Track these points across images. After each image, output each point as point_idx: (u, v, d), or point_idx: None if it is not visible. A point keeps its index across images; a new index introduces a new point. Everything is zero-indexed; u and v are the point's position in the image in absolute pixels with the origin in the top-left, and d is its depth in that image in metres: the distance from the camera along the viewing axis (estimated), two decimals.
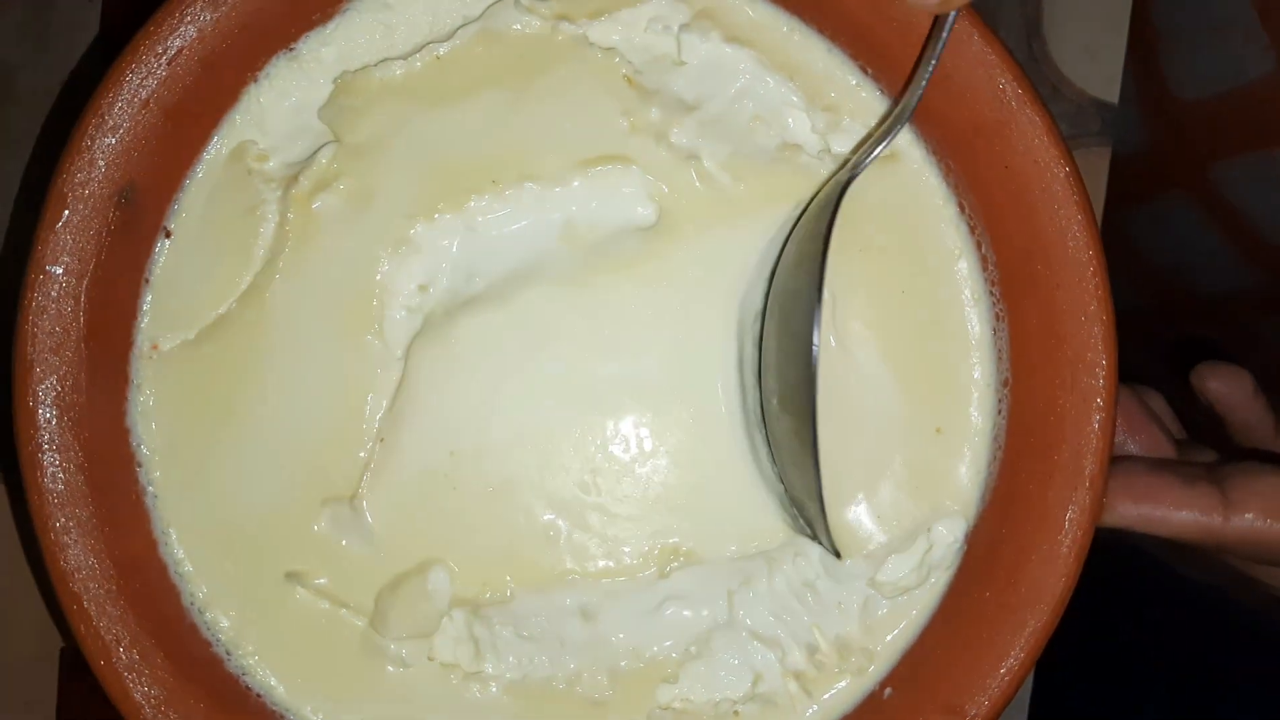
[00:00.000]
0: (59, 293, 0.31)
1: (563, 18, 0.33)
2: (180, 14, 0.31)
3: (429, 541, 0.33)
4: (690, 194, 0.33)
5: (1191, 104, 0.56)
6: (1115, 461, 0.32)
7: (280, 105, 0.33)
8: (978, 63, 0.31)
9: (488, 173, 0.33)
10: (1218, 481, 0.32)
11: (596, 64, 0.33)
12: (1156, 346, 0.66)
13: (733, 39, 0.33)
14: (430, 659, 0.33)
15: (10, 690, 0.43)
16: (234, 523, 0.33)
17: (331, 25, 0.33)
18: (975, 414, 0.33)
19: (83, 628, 0.31)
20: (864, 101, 0.34)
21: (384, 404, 0.33)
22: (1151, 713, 0.56)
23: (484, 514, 0.33)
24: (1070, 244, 0.31)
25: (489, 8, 0.33)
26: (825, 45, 0.34)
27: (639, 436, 0.33)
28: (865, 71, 0.34)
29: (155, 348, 0.33)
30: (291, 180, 0.33)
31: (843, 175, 0.32)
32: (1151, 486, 0.32)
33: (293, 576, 0.33)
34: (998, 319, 0.34)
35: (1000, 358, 0.33)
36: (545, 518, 0.33)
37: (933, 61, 0.30)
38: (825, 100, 0.34)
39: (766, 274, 0.33)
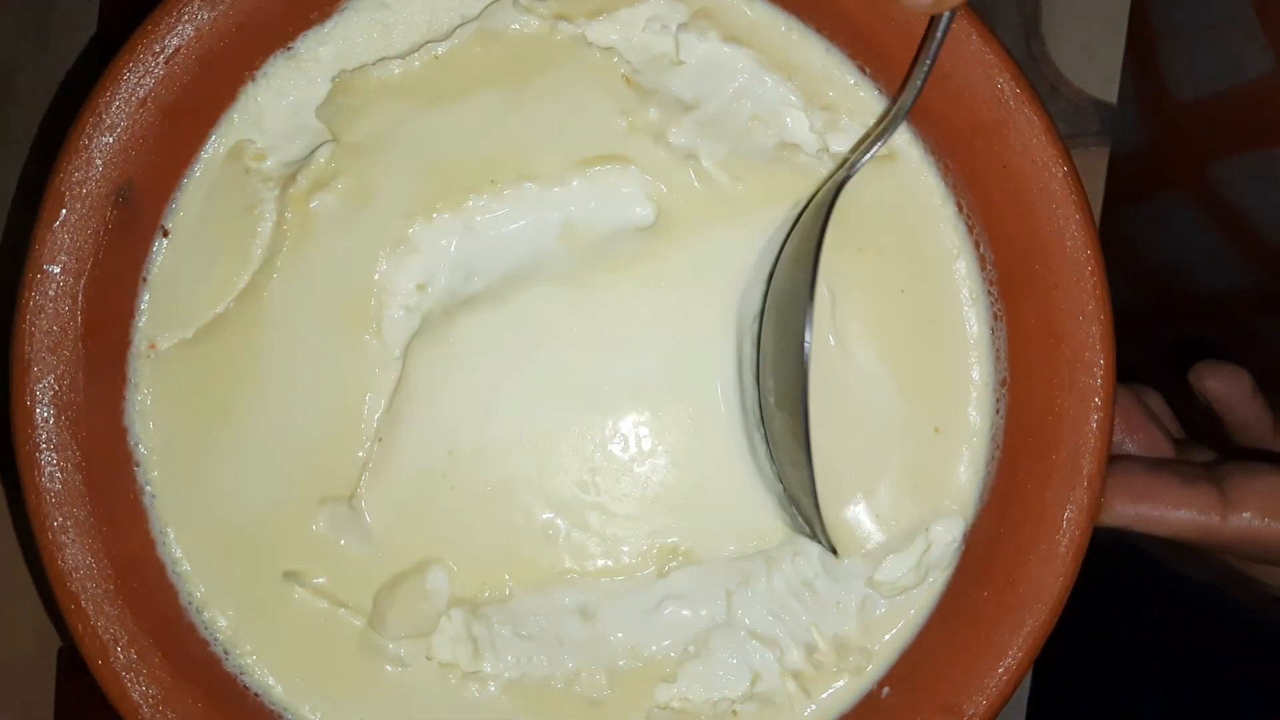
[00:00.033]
0: (56, 292, 0.31)
1: (561, 17, 0.33)
2: (178, 13, 0.31)
3: (427, 541, 0.33)
4: (689, 194, 0.33)
5: (1190, 103, 0.56)
6: (1113, 461, 0.32)
7: (278, 104, 0.33)
8: (976, 62, 0.31)
9: (486, 172, 0.33)
10: (1216, 481, 0.32)
11: (595, 63, 0.33)
12: (1155, 346, 0.66)
13: (731, 38, 0.33)
14: (429, 658, 0.33)
15: (8, 690, 0.42)
16: (232, 522, 0.33)
17: (329, 24, 0.33)
18: (973, 414, 0.33)
19: (80, 627, 0.31)
20: (862, 101, 0.34)
21: (382, 403, 0.33)
22: (1150, 712, 0.56)
23: (482, 513, 0.33)
24: (1068, 243, 0.31)
25: (487, 7, 0.33)
26: (823, 45, 0.34)
27: (638, 436, 0.33)
28: (863, 71, 0.34)
29: (153, 347, 0.33)
30: (289, 179, 0.33)
31: (839, 175, 0.32)
32: (1149, 486, 0.32)
33: (291, 576, 0.33)
34: (996, 318, 0.34)
35: (998, 357, 0.33)
36: (544, 517, 0.33)
37: (928, 62, 0.30)
38: (823, 100, 0.34)
39: (765, 273, 0.33)
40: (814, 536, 0.32)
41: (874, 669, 0.34)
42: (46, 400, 0.31)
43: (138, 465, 0.33)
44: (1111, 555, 0.37)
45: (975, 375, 0.34)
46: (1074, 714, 0.57)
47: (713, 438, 0.33)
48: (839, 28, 0.33)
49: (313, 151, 0.33)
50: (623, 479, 0.33)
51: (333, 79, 0.33)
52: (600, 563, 0.33)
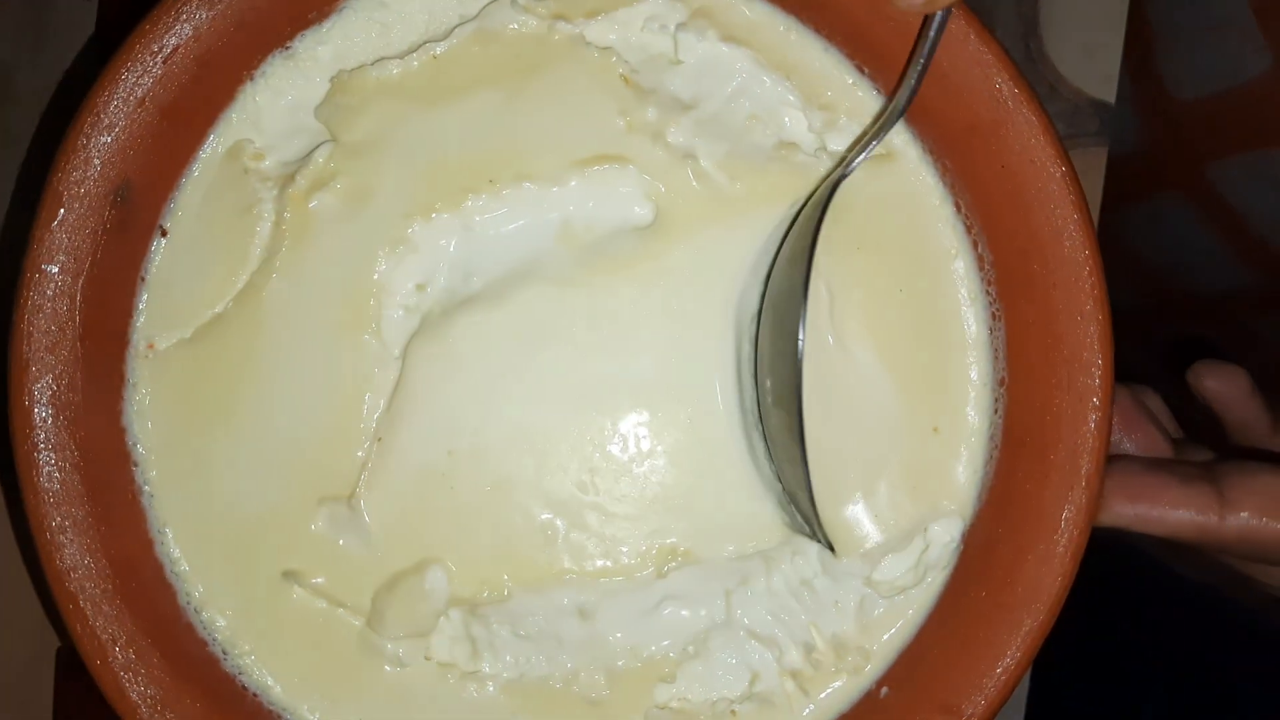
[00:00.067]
0: (55, 291, 0.31)
1: (559, 17, 0.33)
2: (176, 12, 0.31)
3: (426, 541, 0.33)
4: (687, 193, 0.33)
5: (1188, 103, 0.56)
6: (1111, 461, 0.32)
7: (276, 104, 0.33)
8: (974, 62, 0.31)
9: (485, 172, 0.33)
10: (1214, 480, 0.32)
11: (593, 63, 0.33)
12: (1153, 346, 0.66)
13: (729, 38, 0.33)
14: (427, 658, 0.33)
15: (7, 690, 0.42)
16: (231, 522, 0.33)
17: (328, 24, 0.33)
18: (972, 413, 0.33)
19: (79, 627, 0.31)
20: (860, 100, 0.34)
21: (381, 403, 0.33)
22: (1149, 712, 0.56)
23: (481, 513, 0.33)
24: (1066, 243, 0.31)
25: (485, 7, 0.33)
26: (822, 44, 0.34)
27: (637, 436, 0.33)
28: (862, 71, 0.34)
29: (151, 347, 0.33)
30: (288, 179, 0.33)
31: (835, 174, 0.32)
32: (1147, 485, 0.32)
33: (290, 576, 0.33)
34: (994, 318, 0.34)
35: (997, 357, 0.33)
36: (543, 517, 0.33)
37: (922, 61, 0.30)
38: (822, 99, 0.34)
39: (763, 273, 0.33)
40: (813, 536, 0.32)
41: (872, 669, 0.34)
42: (45, 400, 0.31)
43: (136, 465, 0.33)
44: (1110, 555, 0.37)
45: (974, 375, 0.34)
46: (1073, 714, 0.57)
47: (711, 438, 0.33)
48: (837, 27, 0.33)
49: (311, 151, 0.33)
50: (622, 479, 0.33)
51: (331, 79, 0.33)
52: (599, 563, 0.33)
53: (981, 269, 0.34)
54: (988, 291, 0.34)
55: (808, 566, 0.34)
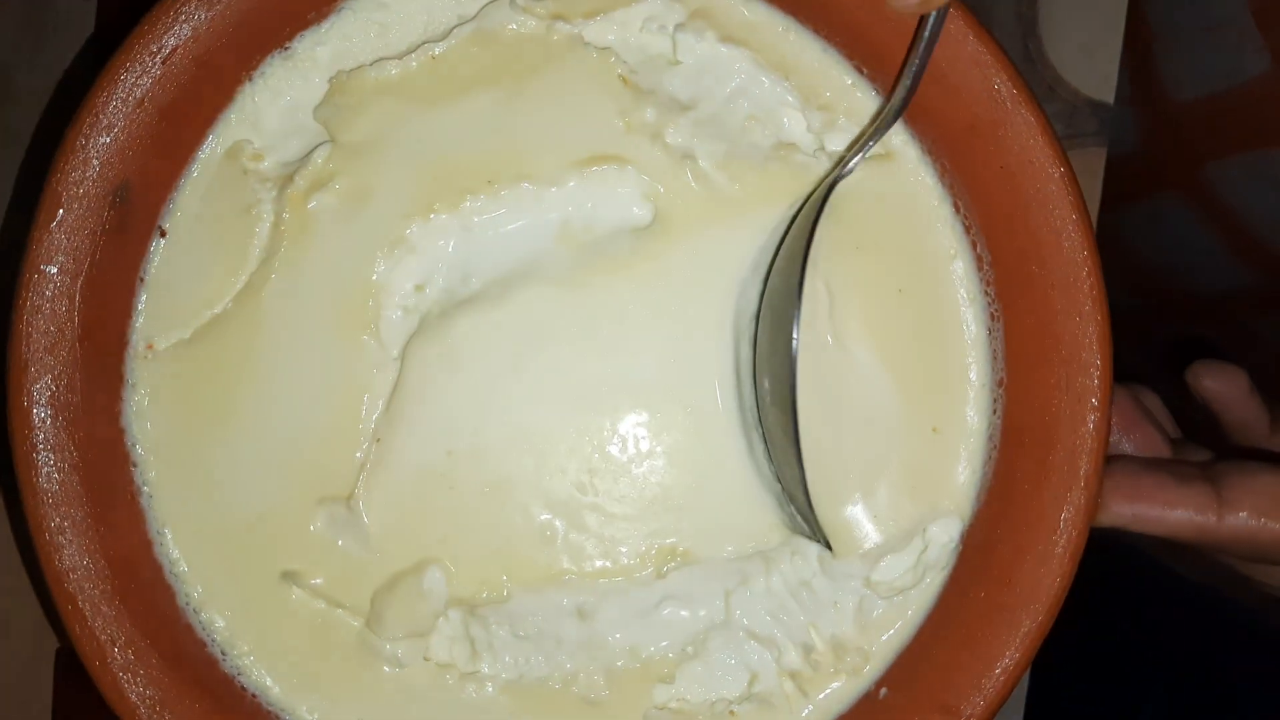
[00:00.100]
0: (54, 292, 0.31)
1: (558, 17, 0.33)
2: (175, 13, 0.31)
3: (425, 541, 0.33)
4: (686, 194, 0.33)
5: (1186, 104, 0.56)
6: (1110, 461, 0.32)
7: (275, 104, 0.33)
8: (973, 62, 0.31)
9: (484, 173, 0.33)
10: (1212, 480, 0.32)
11: (592, 64, 0.33)
12: (1152, 346, 0.66)
13: (728, 38, 0.33)
14: (426, 659, 0.33)
15: (6, 691, 0.42)
16: (230, 523, 0.33)
17: (326, 24, 0.33)
18: (971, 414, 0.33)
19: (78, 628, 0.31)
20: (859, 101, 0.34)
21: (380, 404, 0.33)
22: (1149, 712, 0.56)
23: (480, 514, 0.33)
24: (1065, 244, 0.31)
25: (484, 7, 0.33)
26: (820, 45, 0.34)
27: (636, 437, 0.33)
28: (860, 71, 0.34)
29: (150, 347, 0.33)
30: (287, 180, 0.33)
31: (832, 175, 0.32)
32: (1146, 486, 0.32)
33: (289, 576, 0.33)
34: (993, 319, 0.34)
35: (995, 357, 0.33)
36: (542, 518, 0.33)
37: (916, 62, 0.30)
38: (820, 100, 0.34)
39: (762, 273, 0.33)
40: (812, 536, 0.32)
41: (871, 669, 0.34)
42: (44, 401, 0.31)
43: (135, 466, 0.33)
44: (1109, 555, 0.37)
45: (973, 375, 0.34)
46: (1072, 714, 0.57)
47: (711, 438, 0.33)
48: (836, 28, 0.33)
49: (310, 152, 0.33)
50: (621, 480, 0.33)
51: (330, 79, 0.33)
52: (598, 563, 0.33)
53: (980, 269, 0.34)
54: (986, 292, 0.34)
55: (807, 567, 0.34)
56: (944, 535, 0.33)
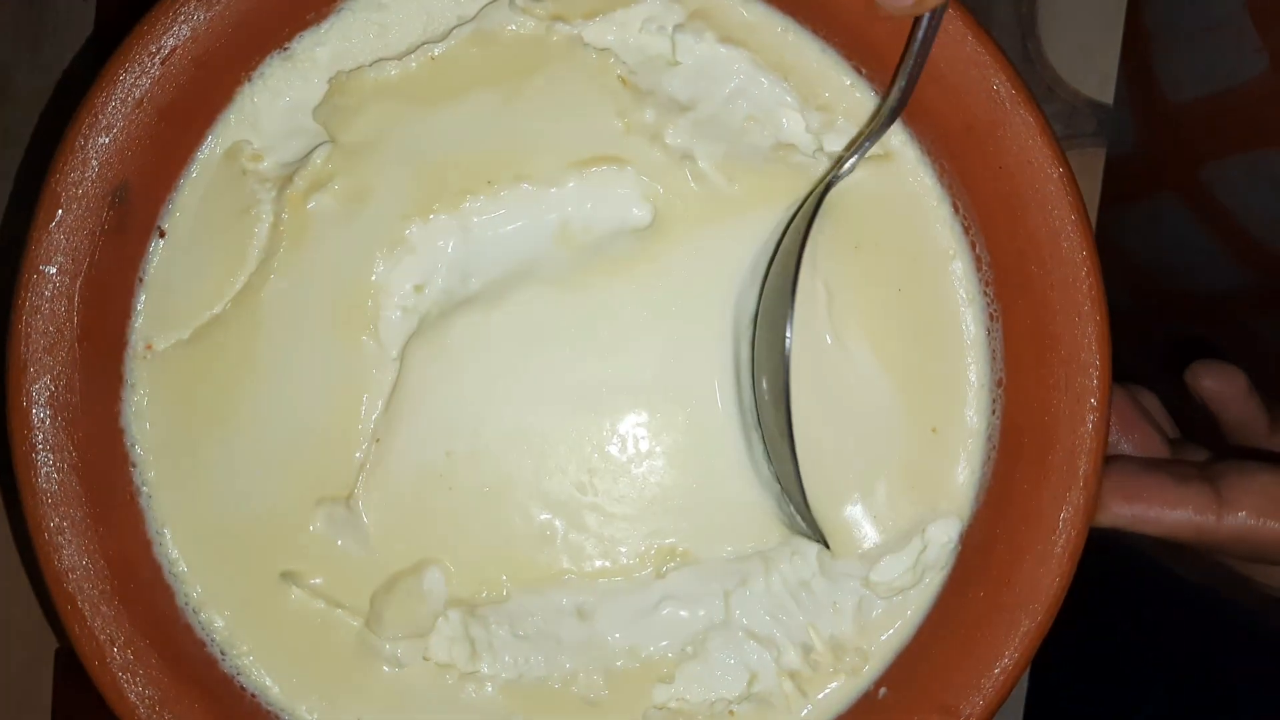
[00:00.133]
0: (53, 292, 0.31)
1: (557, 18, 0.33)
2: (174, 13, 0.31)
3: (425, 541, 0.33)
4: (685, 195, 0.33)
5: (1185, 104, 0.56)
6: (1109, 461, 0.32)
7: (274, 105, 0.33)
8: (972, 62, 0.31)
9: (483, 173, 0.33)
10: (1211, 480, 0.32)
11: (591, 64, 0.33)
12: (1151, 346, 0.66)
13: (727, 39, 0.33)
14: (426, 659, 0.33)
15: (6, 691, 0.42)
16: (229, 523, 0.33)
17: (326, 25, 0.33)
18: (970, 414, 0.33)
19: (77, 628, 0.31)
20: (858, 101, 0.34)
21: (379, 404, 0.33)
22: (1148, 712, 0.56)
23: (480, 514, 0.33)
24: (1064, 244, 0.32)
25: (483, 8, 0.33)
26: (819, 46, 0.34)
27: (635, 437, 0.33)
28: (859, 72, 0.34)
29: (149, 347, 0.33)
30: (286, 180, 0.33)
31: (827, 175, 0.32)
32: (1145, 486, 0.32)
33: (288, 577, 0.33)
34: (992, 319, 0.34)
35: (994, 358, 0.34)
36: (541, 518, 0.33)
37: (911, 64, 0.30)
38: (819, 100, 0.34)
39: (761, 274, 0.33)
40: (810, 535, 0.32)
41: (870, 669, 0.34)
42: (43, 401, 0.31)
43: (134, 466, 0.33)
44: (1109, 556, 0.37)
45: (972, 375, 0.34)
46: (1071, 714, 0.57)
47: (710, 439, 0.33)
48: (835, 28, 0.33)
49: (309, 152, 0.33)
50: (620, 480, 0.33)
51: (329, 80, 0.33)
52: (598, 563, 0.33)
53: (979, 269, 0.34)
54: (985, 292, 0.34)
55: (806, 567, 0.34)
56: (943, 535, 0.33)
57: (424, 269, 0.33)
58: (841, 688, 0.34)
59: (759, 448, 0.33)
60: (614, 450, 0.33)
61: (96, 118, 0.31)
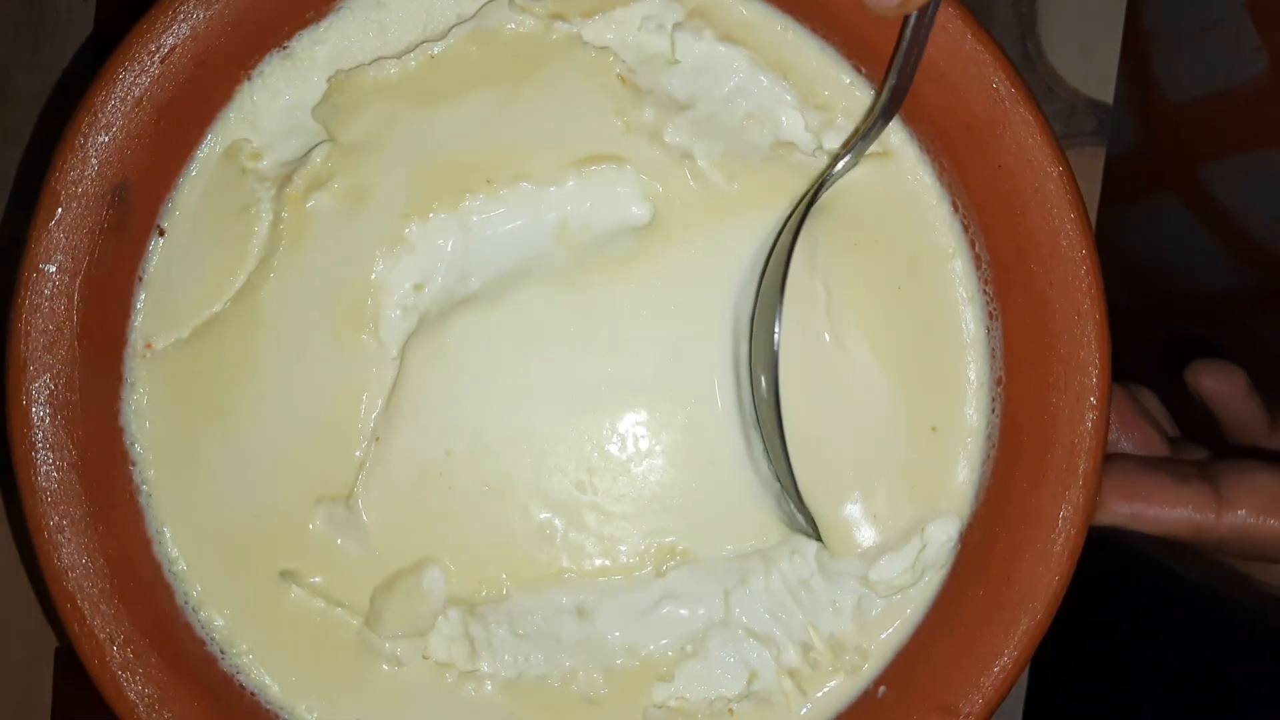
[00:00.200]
0: (52, 291, 0.31)
1: (556, 16, 0.33)
2: (173, 12, 0.31)
3: (424, 540, 0.33)
4: (684, 193, 0.33)
5: (1184, 104, 0.56)
6: (1108, 460, 0.32)
7: (274, 104, 0.33)
8: (971, 61, 0.31)
9: (482, 172, 0.33)
10: (1211, 479, 0.32)
11: (590, 63, 0.33)
12: (1151, 345, 0.66)
13: (726, 38, 0.33)
14: (425, 658, 0.33)
15: (5, 690, 0.42)
16: (228, 522, 0.33)
17: (325, 24, 0.33)
18: (970, 413, 0.33)
19: (76, 627, 0.31)
20: (857, 100, 0.34)
21: (379, 403, 0.33)
22: (1148, 711, 0.56)
23: (480, 513, 0.33)
24: (1063, 243, 0.31)
25: (483, 7, 0.33)
26: (818, 44, 0.34)
27: (635, 436, 0.33)
28: (859, 70, 0.34)
29: (149, 346, 0.33)
30: (285, 179, 0.33)
31: (821, 176, 0.32)
32: (1144, 484, 0.32)
33: (287, 575, 0.33)
34: (991, 318, 0.34)
35: (994, 356, 0.34)
36: (541, 516, 0.33)
37: (899, 63, 0.30)
38: (818, 99, 0.34)
39: (760, 273, 0.33)
40: (809, 533, 0.32)
41: (870, 668, 0.34)
42: (43, 400, 0.31)
43: (134, 464, 0.33)
44: (1108, 554, 0.37)
45: (971, 374, 0.34)
46: (1071, 713, 0.57)
47: (710, 437, 0.33)
48: (834, 27, 0.33)
49: (309, 151, 0.33)
50: (620, 479, 0.33)
51: (328, 79, 0.33)
52: (598, 562, 0.33)
53: (979, 268, 0.34)
54: (985, 290, 0.34)
55: (806, 566, 0.34)
56: (942, 534, 0.33)
57: (423, 268, 0.33)
58: (841, 686, 0.34)
59: (758, 446, 0.33)
60: (614, 449, 0.33)
61: (96, 116, 0.31)
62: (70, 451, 0.32)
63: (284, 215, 0.33)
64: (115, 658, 0.31)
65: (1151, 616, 0.58)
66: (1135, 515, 0.32)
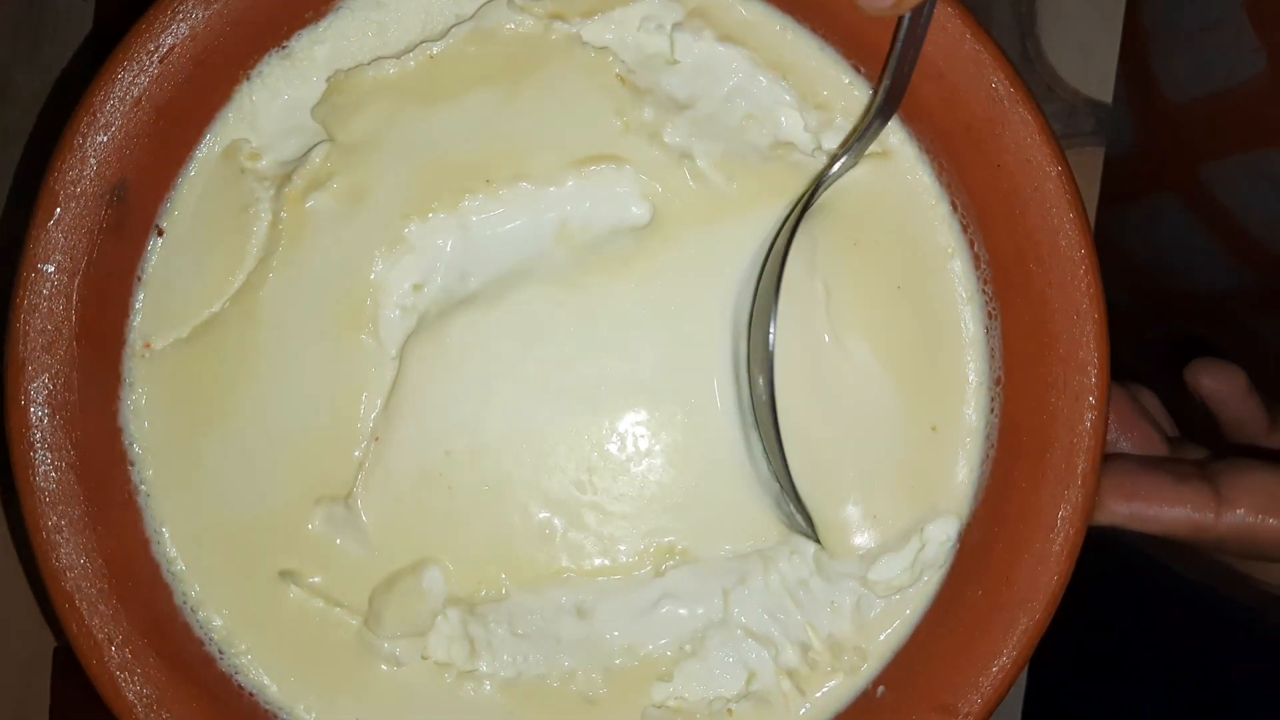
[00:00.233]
0: (51, 291, 0.31)
1: (556, 16, 0.33)
2: (172, 11, 0.31)
3: (424, 540, 0.33)
4: (684, 193, 0.33)
5: (1183, 104, 0.56)
6: (1107, 459, 0.32)
7: (273, 104, 0.33)
8: (970, 61, 0.31)
9: (481, 172, 0.33)
10: (1210, 478, 0.32)
11: (589, 63, 0.33)
12: (1150, 345, 0.66)
13: (725, 38, 0.33)
14: (424, 658, 0.33)
15: (4, 690, 0.42)
16: (227, 522, 0.33)
17: (324, 23, 0.33)
18: (970, 412, 0.33)
19: (75, 627, 0.31)
20: (856, 100, 0.34)
21: (378, 403, 0.33)
22: (1147, 710, 0.56)
23: (479, 512, 0.33)
24: (1062, 243, 0.32)
25: (482, 7, 0.33)
26: (817, 44, 0.34)
27: (635, 435, 0.33)
28: (858, 70, 0.34)
29: (148, 346, 0.33)
30: (284, 179, 0.33)
31: (813, 183, 0.32)
32: (1143, 484, 0.32)
33: (286, 575, 0.33)
34: (990, 317, 0.34)
35: (993, 356, 0.34)
36: (541, 516, 0.33)
37: (893, 64, 0.30)
38: (818, 98, 0.34)
39: (759, 272, 0.33)
40: (808, 533, 0.32)
41: (869, 668, 0.34)
42: (41, 400, 0.31)
43: (132, 465, 0.33)
44: (1107, 554, 0.37)
45: (971, 374, 0.34)
46: (1070, 713, 0.57)
47: (709, 437, 0.33)
48: (833, 27, 0.33)
49: (308, 151, 0.33)
50: (620, 478, 0.33)
51: (328, 79, 0.33)
52: (597, 562, 0.33)
53: (978, 267, 0.34)
54: (984, 290, 0.34)
55: (805, 566, 0.34)
56: (941, 534, 0.33)
57: (423, 268, 0.33)
58: (840, 686, 0.34)
59: (758, 446, 0.33)
60: (613, 449, 0.33)
61: (95, 116, 0.31)
62: (69, 451, 0.32)
63: (283, 215, 0.33)
64: (113, 658, 0.31)
65: (1151, 616, 0.58)
66: (1134, 515, 0.32)
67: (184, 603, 0.33)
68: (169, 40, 0.31)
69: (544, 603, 0.33)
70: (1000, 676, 0.32)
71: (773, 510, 0.33)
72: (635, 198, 0.33)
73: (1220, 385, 0.37)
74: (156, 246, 0.33)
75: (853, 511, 0.33)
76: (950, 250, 0.34)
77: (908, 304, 0.33)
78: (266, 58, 0.33)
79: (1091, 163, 0.46)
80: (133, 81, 0.31)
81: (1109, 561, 0.40)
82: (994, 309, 0.33)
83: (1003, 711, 0.33)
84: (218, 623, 0.33)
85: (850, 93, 0.34)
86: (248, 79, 0.33)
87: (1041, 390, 0.32)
